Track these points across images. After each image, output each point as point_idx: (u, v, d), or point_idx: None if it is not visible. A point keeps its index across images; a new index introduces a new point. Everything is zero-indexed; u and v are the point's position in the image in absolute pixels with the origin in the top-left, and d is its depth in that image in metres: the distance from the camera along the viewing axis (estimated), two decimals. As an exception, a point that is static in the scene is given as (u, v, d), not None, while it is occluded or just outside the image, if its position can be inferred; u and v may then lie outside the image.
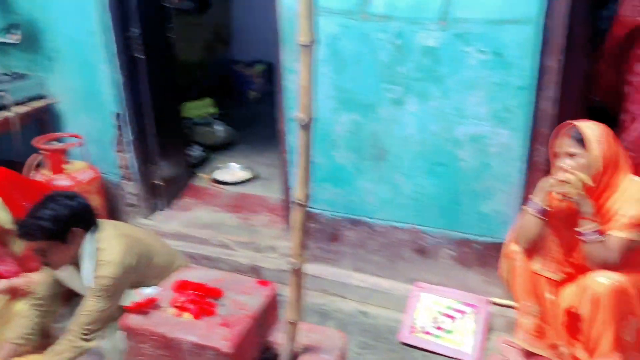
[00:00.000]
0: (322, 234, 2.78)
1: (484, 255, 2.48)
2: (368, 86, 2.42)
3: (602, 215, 2.01)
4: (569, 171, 1.97)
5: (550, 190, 2.01)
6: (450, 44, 2.20)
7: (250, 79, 5.70)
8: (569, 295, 2.09)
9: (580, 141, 1.98)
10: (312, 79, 1.47)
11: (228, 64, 5.84)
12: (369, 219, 2.66)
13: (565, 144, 2.02)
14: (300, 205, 1.61)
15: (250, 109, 5.45)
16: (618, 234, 1.96)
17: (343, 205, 2.70)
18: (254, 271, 2.88)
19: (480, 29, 2.13)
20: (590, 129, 1.99)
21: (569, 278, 2.11)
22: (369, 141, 2.52)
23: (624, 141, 2.43)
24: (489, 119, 2.25)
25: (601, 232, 1.96)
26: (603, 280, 1.93)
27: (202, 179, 3.83)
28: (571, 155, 2.00)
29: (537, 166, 2.27)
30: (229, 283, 1.94)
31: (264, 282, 1.98)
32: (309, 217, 2.73)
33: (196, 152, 4.08)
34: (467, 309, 2.47)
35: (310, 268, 2.80)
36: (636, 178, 2.03)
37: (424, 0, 2.18)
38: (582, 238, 1.98)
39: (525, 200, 2.22)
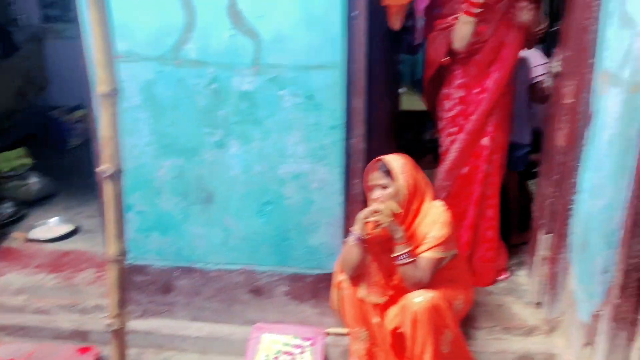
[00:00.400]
0: (153, 286, 2.65)
1: (316, 288, 2.56)
2: (189, 130, 2.40)
3: (414, 239, 2.20)
4: (380, 201, 2.15)
5: (366, 220, 2.16)
6: (265, 88, 2.28)
7: (69, 126, 5.29)
8: (393, 317, 2.24)
9: (388, 173, 2.17)
10: (116, 128, 1.42)
11: (45, 110, 5.38)
12: (201, 265, 2.60)
13: (376, 177, 2.20)
14: (115, 261, 1.52)
15: (71, 157, 5.03)
16: (426, 255, 2.16)
17: (173, 254, 2.60)
18: (79, 336, 2.61)
19: (291, 74, 2.25)
20: (395, 161, 2.19)
21: (392, 300, 2.25)
22: (195, 185, 2.49)
23: (440, 172, 2.73)
24: (307, 157, 2.36)
25: (413, 255, 2.15)
26: (418, 299, 2.09)
27: (15, 239, 3.43)
28: (381, 186, 2.18)
29: (355, 198, 2.43)
30: (43, 356, 1.75)
31: (85, 349, 1.82)
32: (136, 270, 2.59)
33: (6, 209, 3.66)
34: (305, 343, 2.52)
35: (143, 324, 2.65)
36: (437, 203, 2.27)
37: (236, 47, 2.24)
38: (397, 262, 2.15)
39: (347, 231, 2.35)
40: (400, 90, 3.97)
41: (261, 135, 2.36)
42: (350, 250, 2.20)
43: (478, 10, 2.39)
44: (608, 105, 2.04)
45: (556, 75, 2.46)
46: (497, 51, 2.56)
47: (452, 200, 2.65)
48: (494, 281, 2.85)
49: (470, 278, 2.48)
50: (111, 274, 1.52)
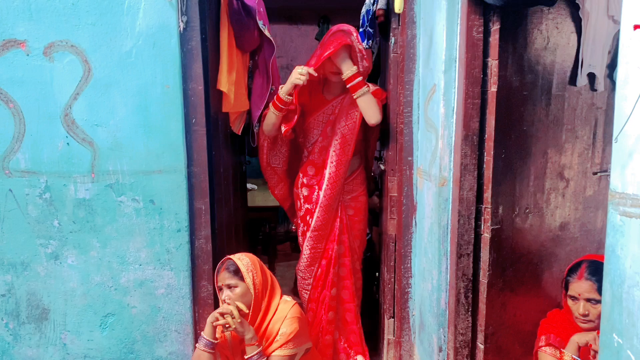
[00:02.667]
0: None
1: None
2: (19, 243, 2.24)
3: (266, 338, 2.20)
4: (228, 302, 2.14)
5: (216, 323, 2.13)
6: (103, 195, 2.24)
7: None
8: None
9: (236, 272, 2.19)
10: None
11: None
12: (34, 392, 2.34)
13: (224, 277, 2.20)
14: None
15: None
16: (277, 353, 2.17)
17: (1, 382, 2.32)
18: None
19: (131, 179, 2.24)
20: (241, 260, 2.22)
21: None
22: (27, 302, 2.29)
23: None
24: (151, 263, 2.31)
25: (265, 354, 2.14)
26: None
27: None
28: (229, 286, 2.18)
29: (205, 302, 2.39)
30: None
31: None
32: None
33: None
34: None
35: None
36: (287, 298, 2.32)
37: (71, 155, 2.20)
38: (250, 364, 2.13)
39: (197, 337, 2.28)
40: (250, 187, 4.10)
41: (100, 244, 2.27)
42: (200, 356, 2.13)
43: (282, 107, 2.62)
44: (425, 197, 2.30)
45: (382, 172, 2.74)
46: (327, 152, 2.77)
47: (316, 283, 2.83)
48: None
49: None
50: None
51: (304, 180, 2.82)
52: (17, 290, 2.28)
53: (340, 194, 2.79)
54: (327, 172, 2.74)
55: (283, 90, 2.60)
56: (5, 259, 2.25)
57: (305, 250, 2.81)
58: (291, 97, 2.61)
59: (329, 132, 2.75)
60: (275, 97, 2.65)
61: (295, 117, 2.70)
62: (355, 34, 2.62)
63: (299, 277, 2.89)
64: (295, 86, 2.57)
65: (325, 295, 2.83)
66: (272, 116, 2.68)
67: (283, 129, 2.72)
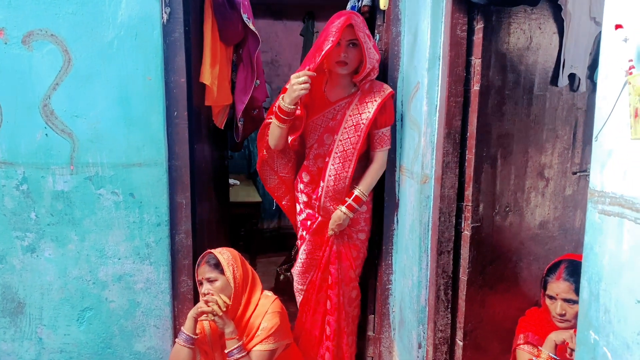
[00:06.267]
0: (-55, 419, 2.26)
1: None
2: (-6, 235, 2.20)
3: (247, 333, 2.19)
4: (209, 295, 2.12)
5: (196, 317, 2.11)
6: (82, 188, 2.20)
7: None
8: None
9: (217, 266, 2.17)
10: None
11: None
12: (9, 387, 2.30)
13: (204, 270, 2.18)
14: None
15: None
16: (258, 348, 2.16)
17: (-26, 377, 2.28)
18: None
19: (111, 172, 2.21)
20: (222, 254, 2.21)
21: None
22: (2, 295, 2.25)
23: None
24: (131, 257, 2.28)
25: (245, 349, 2.13)
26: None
27: None
28: (209, 280, 2.17)
29: (184, 297, 2.37)
30: None
31: None
32: None
33: None
34: None
35: None
36: (268, 293, 2.31)
37: (49, 146, 2.16)
38: (229, 358, 2.11)
39: (176, 332, 2.26)
40: (232, 183, 4.08)
41: (79, 237, 2.24)
42: (179, 351, 2.12)
43: (286, 118, 2.31)
44: (407, 194, 2.31)
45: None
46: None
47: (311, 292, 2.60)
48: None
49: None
50: None
51: (301, 186, 2.57)
52: (-8, 284, 2.24)
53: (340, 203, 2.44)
54: (322, 186, 2.44)
55: (285, 102, 2.27)
56: (-20, 251, 2.20)
57: (302, 254, 2.59)
58: (295, 107, 2.30)
59: (326, 140, 2.42)
60: (277, 108, 2.33)
61: (302, 125, 2.42)
62: (360, 19, 2.29)
63: (294, 280, 2.70)
64: (299, 97, 2.26)
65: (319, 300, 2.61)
66: (276, 129, 2.37)
67: (289, 138, 2.47)
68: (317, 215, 2.53)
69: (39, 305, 2.28)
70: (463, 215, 2.00)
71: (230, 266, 2.19)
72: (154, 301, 2.34)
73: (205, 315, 2.10)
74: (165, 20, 2.16)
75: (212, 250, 2.23)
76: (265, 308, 2.24)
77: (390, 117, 2.40)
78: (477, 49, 1.89)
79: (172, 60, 2.20)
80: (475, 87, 1.90)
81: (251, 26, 2.67)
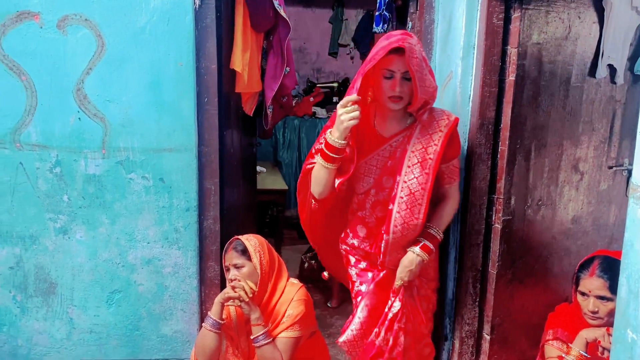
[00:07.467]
0: (-20, 393, 2.34)
1: (170, 379, 2.43)
2: (29, 217, 2.24)
3: (272, 319, 2.20)
4: (236, 281, 2.14)
5: (223, 302, 2.13)
6: (113, 172, 2.23)
7: None
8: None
9: (244, 252, 2.18)
10: None
11: None
12: (40, 364, 2.36)
13: (231, 256, 2.19)
14: None
15: None
16: (283, 335, 2.16)
17: (8, 354, 2.34)
18: None
19: (141, 156, 2.23)
20: (249, 240, 2.21)
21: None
22: (35, 275, 2.30)
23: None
24: (159, 241, 2.31)
25: (270, 335, 2.14)
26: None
27: None
28: (236, 266, 2.18)
29: (211, 282, 2.39)
30: None
31: None
32: (-42, 376, 2.28)
33: None
34: None
35: None
36: (294, 281, 2.31)
37: (82, 130, 2.19)
38: (254, 344, 2.13)
39: (203, 316, 2.29)
40: (259, 170, 4.09)
41: (109, 220, 2.27)
42: (204, 336, 2.14)
43: (336, 156, 1.87)
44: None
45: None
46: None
47: None
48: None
49: (329, 357, 2.52)
50: None
51: (354, 242, 2.14)
52: (26, 264, 2.29)
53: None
54: (386, 239, 1.99)
55: (334, 136, 1.84)
56: (15, 232, 2.25)
57: (361, 312, 2.13)
58: (346, 142, 1.85)
59: (386, 183, 2.00)
60: (323, 146, 1.90)
61: (352, 166, 1.95)
62: (414, 40, 1.79)
63: (346, 344, 2.20)
64: (349, 130, 1.82)
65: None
66: (323, 172, 1.94)
67: (336, 182, 1.98)
68: (380, 268, 2.11)
69: (70, 286, 2.33)
70: (494, 208, 1.97)
71: (257, 253, 2.20)
72: (182, 285, 2.37)
73: (231, 300, 2.12)
74: (197, 6, 2.16)
75: (240, 237, 2.24)
76: (291, 295, 2.24)
77: (458, 146, 2.00)
78: (514, 38, 1.84)
79: (204, 46, 2.21)
80: (511, 77, 1.86)
81: (282, 12, 2.66)
